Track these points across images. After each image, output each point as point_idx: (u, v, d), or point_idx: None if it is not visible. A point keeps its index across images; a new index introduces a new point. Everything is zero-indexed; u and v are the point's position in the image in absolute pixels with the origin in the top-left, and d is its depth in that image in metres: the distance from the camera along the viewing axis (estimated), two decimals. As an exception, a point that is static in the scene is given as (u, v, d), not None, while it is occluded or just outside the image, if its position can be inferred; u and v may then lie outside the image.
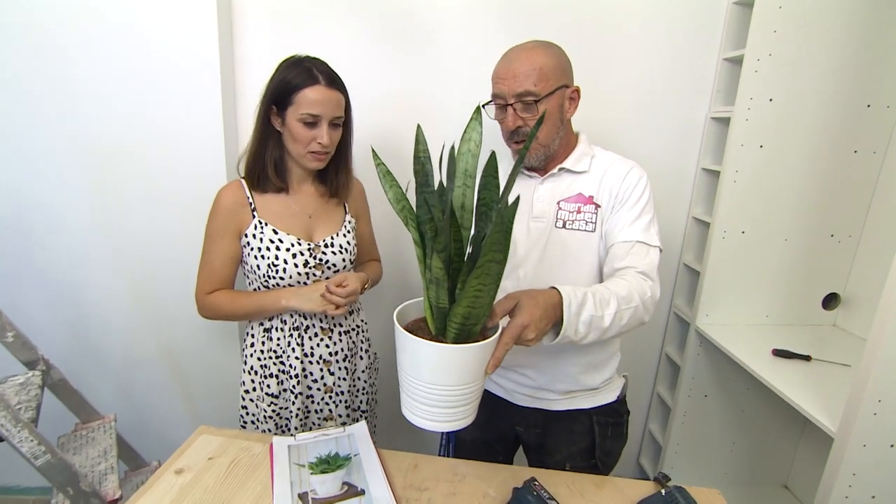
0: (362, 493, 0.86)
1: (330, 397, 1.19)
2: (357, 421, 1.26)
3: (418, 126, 0.76)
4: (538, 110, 0.94)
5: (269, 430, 1.15)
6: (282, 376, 1.14)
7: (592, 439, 1.07)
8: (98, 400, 1.49)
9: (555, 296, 0.78)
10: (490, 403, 1.10)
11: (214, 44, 1.36)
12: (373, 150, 0.79)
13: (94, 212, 1.50)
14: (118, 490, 1.04)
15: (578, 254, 0.99)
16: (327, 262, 1.13)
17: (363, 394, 1.26)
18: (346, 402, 1.21)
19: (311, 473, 0.90)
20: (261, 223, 1.08)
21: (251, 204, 1.09)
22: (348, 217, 1.19)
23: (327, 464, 0.91)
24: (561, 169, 1.02)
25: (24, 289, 1.57)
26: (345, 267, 1.16)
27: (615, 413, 1.09)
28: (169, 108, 1.40)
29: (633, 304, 0.85)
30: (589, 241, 0.99)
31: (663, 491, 0.87)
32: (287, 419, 1.16)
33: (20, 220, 1.50)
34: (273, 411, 1.14)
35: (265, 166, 1.07)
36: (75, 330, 1.62)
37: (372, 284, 1.23)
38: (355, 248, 1.19)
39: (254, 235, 1.08)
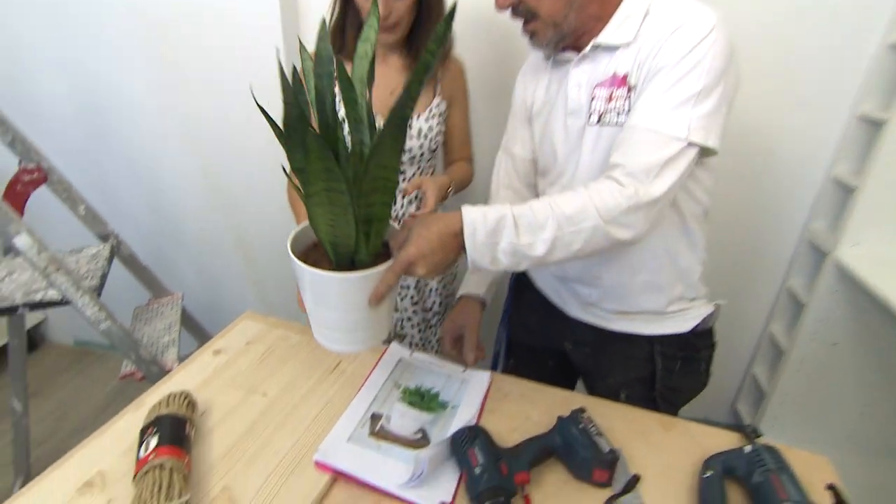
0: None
1: (398, 292, 1.15)
2: (427, 324, 1.23)
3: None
4: None
5: None
6: None
7: (653, 370, 0.92)
8: (175, 278, 1.62)
9: (456, 223, 0.68)
10: (543, 309, 1.01)
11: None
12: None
13: (161, 91, 1.51)
14: (176, 361, 1.11)
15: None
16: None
17: (436, 295, 1.21)
18: (412, 298, 1.18)
19: (400, 399, 0.84)
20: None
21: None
22: (438, 100, 1.07)
23: (419, 398, 0.85)
24: (595, 47, 0.79)
25: (104, 167, 1.68)
26: (422, 155, 1.07)
27: (688, 346, 0.92)
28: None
29: (583, 224, 0.67)
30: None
31: (748, 447, 0.72)
32: None
33: (90, 96, 1.57)
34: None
35: (345, 34, 1.00)
36: (154, 210, 1.73)
37: (457, 189, 1.11)
38: (440, 137, 1.09)
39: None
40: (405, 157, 1.05)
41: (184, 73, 1.47)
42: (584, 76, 0.81)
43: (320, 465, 0.72)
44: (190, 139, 1.57)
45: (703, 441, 0.78)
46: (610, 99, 0.78)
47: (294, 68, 0.61)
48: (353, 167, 0.63)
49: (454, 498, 0.69)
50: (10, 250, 1.18)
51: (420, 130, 1.05)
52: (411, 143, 1.04)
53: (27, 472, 1.51)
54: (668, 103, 0.70)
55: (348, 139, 0.66)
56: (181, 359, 1.19)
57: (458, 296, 1.01)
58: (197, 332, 1.46)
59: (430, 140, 1.06)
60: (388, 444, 0.76)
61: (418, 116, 1.05)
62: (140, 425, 0.74)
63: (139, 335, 1.21)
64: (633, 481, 0.72)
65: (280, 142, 0.60)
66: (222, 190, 1.62)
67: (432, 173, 1.17)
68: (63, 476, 0.71)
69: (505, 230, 0.67)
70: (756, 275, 1.51)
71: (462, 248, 0.68)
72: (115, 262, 1.25)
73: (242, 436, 0.77)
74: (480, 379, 0.90)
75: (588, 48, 0.80)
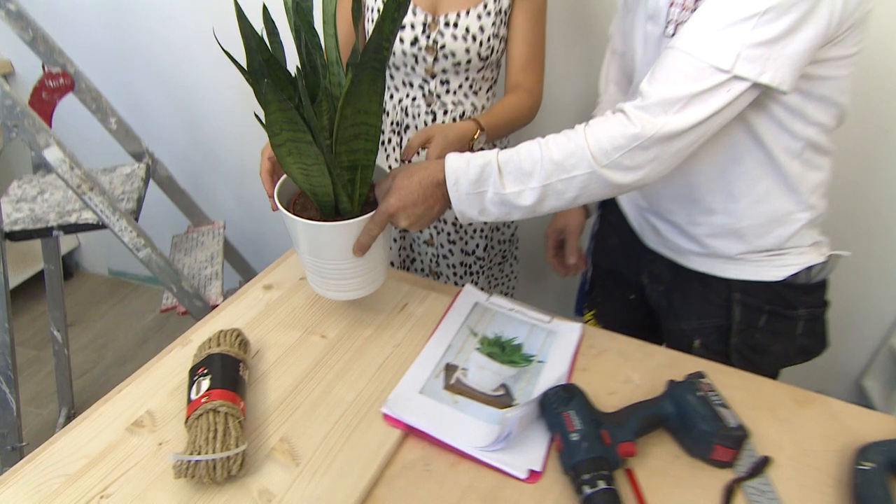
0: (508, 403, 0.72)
1: (434, 223, 1.10)
2: (467, 269, 1.18)
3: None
4: None
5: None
6: None
7: (728, 321, 0.85)
8: (213, 205, 1.60)
9: (438, 172, 0.69)
10: (625, 232, 0.99)
11: None
12: None
13: (195, 5, 1.43)
14: (220, 296, 1.10)
15: None
16: (443, 47, 0.93)
17: (480, 237, 1.14)
18: (448, 235, 1.11)
19: (477, 349, 0.80)
20: None
21: None
22: None
23: (500, 349, 0.80)
24: None
25: (134, 85, 1.65)
26: (469, 63, 0.95)
27: (778, 299, 0.82)
28: None
29: (575, 172, 0.65)
30: None
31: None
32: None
33: (119, 12, 1.52)
34: None
35: None
36: (189, 131, 1.70)
37: (505, 133, 0.98)
38: (496, 43, 0.96)
39: None
40: (448, 63, 0.95)
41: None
42: None
43: (389, 419, 0.69)
44: (224, 56, 1.50)
45: (849, 424, 0.70)
46: (683, 7, 0.69)
47: (265, 7, 0.62)
48: (328, 112, 0.64)
49: (544, 467, 0.64)
50: (39, 167, 1.16)
51: (467, 30, 0.92)
52: (455, 44, 0.93)
53: (71, 403, 1.59)
54: (718, 22, 0.61)
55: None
56: (225, 294, 1.19)
57: None
58: (240, 265, 1.45)
59: (482, 45, 0.94)
60: (465, 400, 0.73)
61: (467, 12, 0.92)
62: (189, 363, 0.72)
63: (179, 266, 1.20)
64: (762, 463, 0.65)
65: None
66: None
67: (490, 91, 1.05)
68: (111, 413, 0.71)
69: (490, 179, 0.68)
70: (877, 216, 1.34)
71: (446, 198, 0.70)
72: (151, 185, 1.22)
73: (300, 381, 0.75)
74: (570, 331, 0.84)
75: None
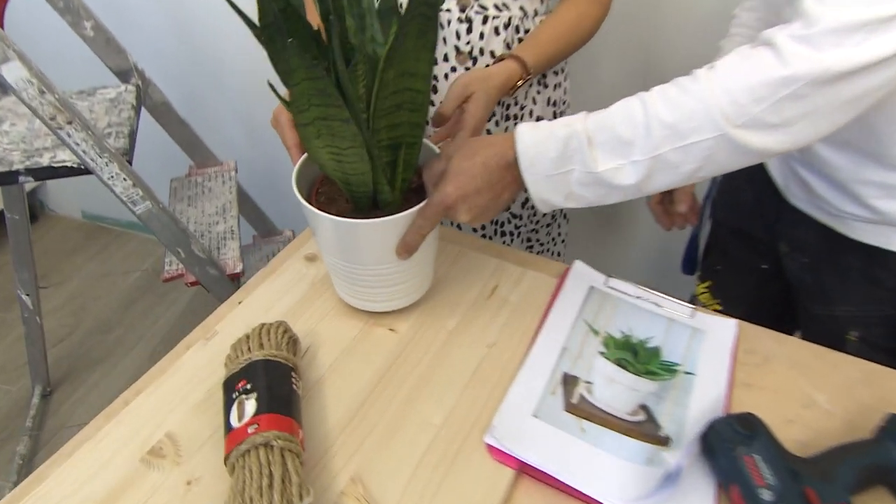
0: (665, 443, 0.60)
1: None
2: (499, 230, 1.06)
3: None
4: None
5: None
6: None
7: None
8: (219, 140, 1.45)
9: (508, 150, 0.62)
10: (761, 185, 0.88)
11: None
12: None
13: None
14: (239, 262, 0.97)
15: None
16: None
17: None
18: None
19: (602, 353, 0.68)
20: None
21: None
22: None
23: (631, 353, 0.68)
24: None
25: None
26: None
27: None
28: None
29: (696, 137, 0.56)
30: None
31: None
32: None
33: None
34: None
35: None
36: (184, 40, 1.53)
37: (559, 60, 0.89)
38: None
39: None
40: None
41: None
42: None
43: (496, 452, 0.59)
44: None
45: None
46: None
47: None
48: (364, 78, 0.58)
49: (722, 533, 0.55)
50: (-3, 88, 1.01)
51: None
52: None
53: (46, 378, 1.52)
54: None
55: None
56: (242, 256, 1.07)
57: None
58: (254, 215, 1.31)
59: None
60: (595, 427, 0.61)
61: None
62: (215, 363, 0.64)
63: (182, 220, 1.06)
64: None
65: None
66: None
67: None
68: (117, 436, 0.60)
69: (577, 154, 0.60)
70: None
71: (519, 182, 0.64)
72: (142, 114, 1.07)
73: (369, 394, 0.64)
74: (722, 329, 0.72)
75: None
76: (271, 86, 0.61)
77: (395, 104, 0.60)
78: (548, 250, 1.15)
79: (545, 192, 0.62)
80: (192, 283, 0.95)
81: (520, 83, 0.83)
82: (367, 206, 0.66)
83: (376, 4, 0.61)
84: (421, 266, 0.70)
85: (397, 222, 0.62)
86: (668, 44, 1.20)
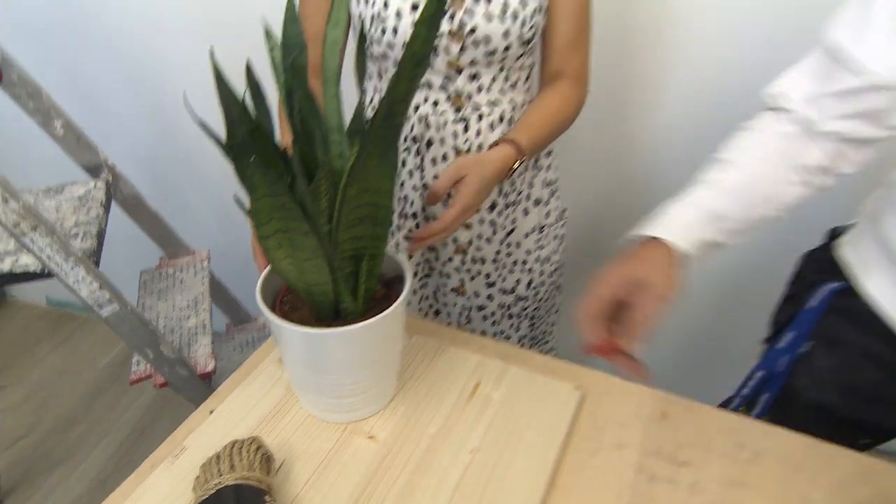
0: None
1: (462, 262, 0.99)
2: (506, 314, 1.06)
3: None
4: None
5: None
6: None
7: None
8: (193, 227, 1.43)
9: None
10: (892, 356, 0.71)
11: None
12: None
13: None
14: (211, 360, 0.94)
15: None
16: (473, 31, 0.80)
17: (521, 271, 1.02)
18: (487, 276, 1.00)
19: None
20: None
21: None
22: None
23: None
24: None
25: (86, 66, 1.49)
26: (506, 49, 0.82)
27: None
28: None
29: None
30: None
31: None
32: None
33: None
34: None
35: None
36: (158, 127, 1.54)
37: (546, 144, 0.91)
38: (539, 18, 0.83)
39: None
40: (479, 52, 0.82)
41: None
42: None
43: None
44: (205, 23, 1.34)
45: None
46: None
47: (248, 68, 0.58)
48: (328, 193, 0.59)
49: None
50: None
51: (506, 6, 0.80)
52: (490, 26, 0.80)
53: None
54: None
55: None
56: (213, 348, 1.03)
57: (640, 237, 0.71)
58: (228, 304, 1.27)
59: (525, 24, 0.81)
60: None
61: None
62: (184, 483, 0.60)
63: (151, 315, 1.03)
64: None
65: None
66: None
67: (527, 81, 0.92)
68: None
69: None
70: None
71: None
72: (113, 206, 1.05)
73: None
74: None
75: None
76: (237, 200, 0.60)
77: (358, 218, 0.61)
78: (545, 321, 1.16)
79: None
80: (162, 385, 0.91)
81: (517, 165, 0.84)
82: (329, 315, 0.66)
83: (346, 124, 0.63)
84: (385, 372, 0.69)
85: (356, 332, 0.61)
86: (640, 120, 1.25)
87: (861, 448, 0.73)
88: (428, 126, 0.88)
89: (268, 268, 0.67)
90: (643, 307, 0.61)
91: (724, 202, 0.67)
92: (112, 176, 1.04)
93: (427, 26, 0.54)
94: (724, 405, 0.87)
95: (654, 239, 0.66)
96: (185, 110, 1.46)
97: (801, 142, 0.66)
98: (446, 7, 0.78)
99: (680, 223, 0.67)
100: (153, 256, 1.23)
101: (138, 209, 1.11)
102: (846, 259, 0.75)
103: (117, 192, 1.05)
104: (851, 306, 0.72)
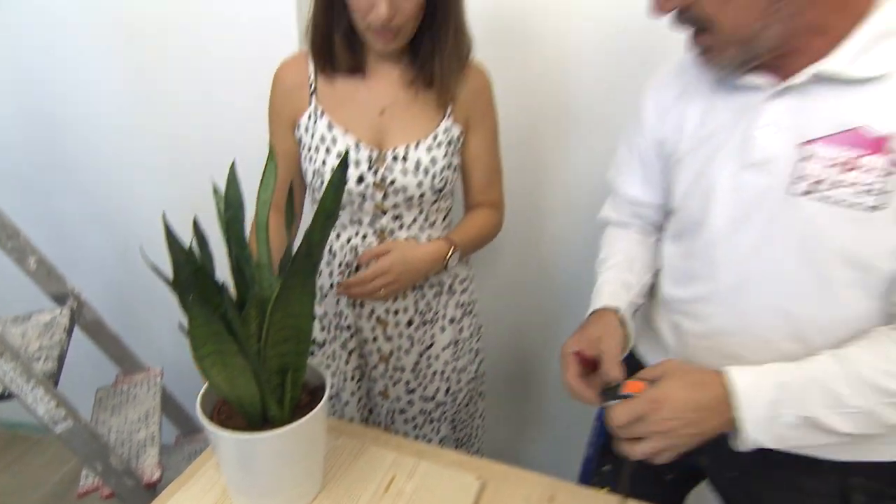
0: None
1: (385, 369, 1.11)
2: (427, 418, 1.16)
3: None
4: None
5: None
6: (325, 320, 1.10)
7: None
8: (150, 346, 1.51)
9: (720, 390, 0.65)
10: None
11: None
12: None
13: (137, 107, 1.45)
14: (157, 469, 1.00)
15: (842, 247, 0.67)
16: (392, 182, 0.97)
17: (441, 380, 1.13)
18: (407, 384, 1.11)
19: None
20: (316, 112, 0.98)
21: (311, 85, 0.98)
22: (447, 123, 0.99)
23: None
24: (817, 76, 0.65)
25: (60, 201, 1.60)
26: (422, 196, 0.99)
27: None
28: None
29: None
30: (865, 229, 0.65)
31: None
32: (343, 379, 1.11)
33: (43, 117, 1.51)
34: (326, 365, 1.12)
35: (331, 37, 0.94)
36: (124, 259, 1.64)
37: (475, 248, 1.10)
38: (449, 173, 1.01)
39: (306, 128, 0.99)
40: (399, 198, 0.99)
41: (166, 89, 1.41)
42: (784, 117, 0.68)
43: None
44: (169, 171, 1.50)
45: None
46: (849, 167, 0.64)
47: (195, 221, 0.70)
48: (258, 318, 0.69)
49: None
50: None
51: (419, 163, 0.97)
52: (406, 179, 0.97)
53: None
54: None
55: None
56: (162, 460, 1.08)
57: (588, 314, 0.88)
58: (179, 416, 1.34)
59: (435, 178, 0.98)
60: None
61: (416, 145, 0.97)
62: None
63: (104, 430, 1.10)
64: None
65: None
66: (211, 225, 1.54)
67: (445, 220, 1.09)
68: None
69: (792, 401, 0.64)
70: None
71: (728, 421, 0.65)
72: (76, 329, 1.15)
73: None
74: None
75: (803, 77, 0.66)
76: (181, 327, 0.68)
77: (283, 338, 0.70)
78: (468, 426, 1.24)
79: (757, 431, 0.64)
80: (109, 496, 0.97)
81: (449, 255, 1.01)
82: (259, 422, 0.72)
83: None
84: (309, 471, 0.77)
85: (282, 436, 0.69)
86: (551, 247, 1.43)
87: (669, 484, 0.92)
88: (357, 254, 1.03)
89: (206, 384, 0.75)
90: (606, 353, 0.75)
91: (626, 275, 0.89)
92: (77, 303, 1.15)
93: (334, 188, 0.68)
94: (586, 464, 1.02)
95: (597, 311, 0.84)
96: (146, 242, 1.58)
97: (641, 234, 0.95)
98: (372, 165, 0.97)
99: (609, 294, 0.86)
100: (111, 373, 1.30)
101: (99, 332, 1.20)
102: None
103: (80, 318, 1.15)
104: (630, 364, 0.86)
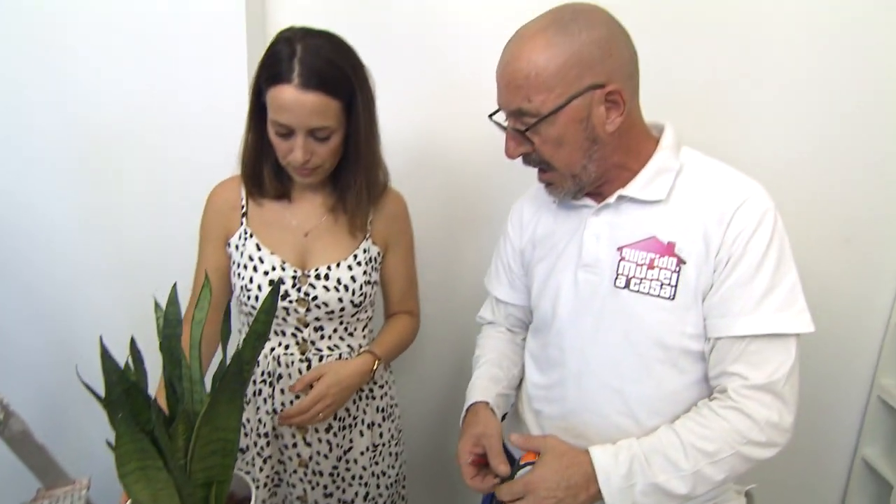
0: None
1: (304, 474, 1.14)
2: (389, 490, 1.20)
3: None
4: (541, 134, 0.83)
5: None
6: (247, 427, 1.13)
7: None
8: (81, 454, 1.47)
9: (587, 468, 0.79)
10: None
11: (241, 8, 1.31)
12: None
13: (90, 212, 1.49)
14: None
15: (652, 330, 0.85)
16: (315, 298, 1.05)
17: (359, 484, 1.17)
18: (325, 488, 1.15)
19: None
20: (246, 233, 1.07)
21: (243, 207, 1.08)
22: (366, 244, 1.10)
23: None
24: (622, 197, 0.89)
25: (4, 299, 1.59)
26: (342, 310, 1.07)
27: None
28: (184, 86, 1.38)
29: (721, 456, 0.78)
30: (666, 314, 0.84)
31: None
32: (256, 487, 1.10)
33: None
34: (246, 472, 1.14)
35: (260, 168, 1.05)
36: (61, 365, 1.58)
37: (396, 355, 1.19)
38: (368, 289, 1.10)
39: (237, 247, 1.07)
40: (321, 312, 1.07)
41: (125, 192, 1.46)
42: (604, 228, 0.89)
43: None
44: (118, 273, 1.53)
45: None
46: (651, 266, 0.84)
47: (132, 340, 0.75)
48: (186, 433, 0.72)
49: None
50: None
51: (339, 281, 1.06)
52: (327, 295, 1.05)
53: None
54: (771, 303, 0.79)
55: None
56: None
57: (465, 408, 1.01)
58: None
59: (354, 293, 1.07)
60: None
61: (337, 265, 1.06)
62: None
63: (19, 551, 1.05)
64: None
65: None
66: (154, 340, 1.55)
67: (365, 329, 1.17)
68: None
69: (639, 472, 0.77)
70: (814, 441, 1.50)
71: (595, 493, 0.78)
72: None
73: None
74: None
75: (613, 198, 0.88)
76: (109, 444, 0.71)
77: (210, 451, 0.73)
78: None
79: (615, 501, 0.77)
80: None
81: (375, 367, 1.08)
82: None
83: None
84: None
85: None
86: (468, 346, 1.49)
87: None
88: (279, 364, 1.08)
89: (129, 500, 0.75)
90: (490, 449, 0.89)
91: (494, 370, 1.02)
92: (4, 414, 1.13)
93: (266, 313, 0.77)
94: None
95: (472, 406, 0.99)
96: (87, 349, 1.57)
97: (510, 333, 1.10)
98: (296, 283, 1.04)
99: (481, 389, 0.99)
100: (32, 486, 1.26)
101: (24, 444, 1.17)
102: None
103: (6, 429, 1.13)
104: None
